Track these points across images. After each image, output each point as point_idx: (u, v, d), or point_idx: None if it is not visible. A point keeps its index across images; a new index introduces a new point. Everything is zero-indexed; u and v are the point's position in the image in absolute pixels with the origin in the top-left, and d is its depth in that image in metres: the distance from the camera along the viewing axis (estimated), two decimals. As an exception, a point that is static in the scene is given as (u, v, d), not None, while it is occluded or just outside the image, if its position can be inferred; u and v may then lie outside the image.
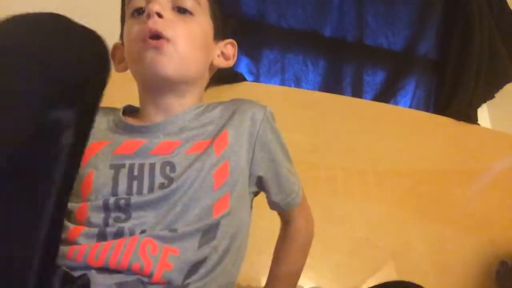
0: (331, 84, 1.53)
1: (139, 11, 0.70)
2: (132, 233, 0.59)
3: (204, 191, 0.63)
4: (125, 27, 0.74)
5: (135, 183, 0.63)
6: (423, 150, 1.44)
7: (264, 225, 0.84)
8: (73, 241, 0.60)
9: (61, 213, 0.46)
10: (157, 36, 0.66)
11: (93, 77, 0.44)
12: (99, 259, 0.56)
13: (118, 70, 0.77)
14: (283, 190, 0.75)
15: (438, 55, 1.68)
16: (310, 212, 0.81)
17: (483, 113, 1.65)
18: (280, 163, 0.74)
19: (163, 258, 0.57)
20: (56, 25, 0.43)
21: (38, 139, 0.39)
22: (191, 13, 0.70)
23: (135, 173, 0.64)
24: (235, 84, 1.30)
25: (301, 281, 1.14)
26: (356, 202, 1.29)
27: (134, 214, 0.61)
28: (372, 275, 1.20)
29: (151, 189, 0.63)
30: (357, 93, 1.55)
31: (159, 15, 0.66)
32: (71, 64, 0.41)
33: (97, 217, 0.61)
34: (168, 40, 0.66)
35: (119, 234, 0.59)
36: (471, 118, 1.55)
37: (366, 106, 1.49)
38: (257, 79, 1.45)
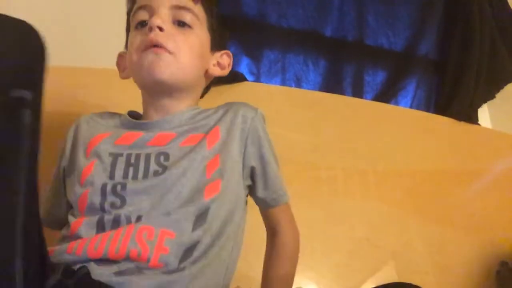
0: (331, 84, 1.53)
1: (143, 24, 0.76)
2: (128, 220, 0.63)
3: (196, 179, 0.67)
4: (129, 37, 0.79)
5: (131, 170, 0.68)
6: (424, 150, 1.44)
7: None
8: (75, 232, 0.64)
9: (34, 190, 0.48)
10: (158, 46, 0.71)
11: (36, 64, 0.47)
12: (98, 250, 0.59)
13: (122, 77, 0.83)
14: (269, 186, 0.77)
15: (439, 55, 1.68)
16: (295, 224, 0.82)
17: (484, 113, 1.65)
18: (268, 162, 0.77)
19: (159, 243, 0.61)
20: None
21: (3, 115, 0.43)
22: (190, 26, 0.76)
23: (132, 161, 0.69)
24: (235, 84, 1.30)
25: (301, 281, 1.15)
26: (357, 202, 1.29)
27: (129, 200, 0.65)
28: (372, 275, 1.20)
29: (145, 176, 0.67)
30: (358, 93, 1.54)
31: (160, 29, 0.72)
32: (17, 53, 0.46)
33: (95, 201, 0.65)
34: (169, 52, 0.72)
35: (116, 222, 0.63)
36: (472, 118, 1.55)
37: (366, 106, 1.49)
38: (257, 79, 1.45)
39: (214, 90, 1.06)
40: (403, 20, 1.64)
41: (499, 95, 1.63)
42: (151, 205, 0.65)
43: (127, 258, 0.59)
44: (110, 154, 0.71)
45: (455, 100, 1.54)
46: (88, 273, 0.56)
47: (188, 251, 0.63)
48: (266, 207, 0.80)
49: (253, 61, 1.46)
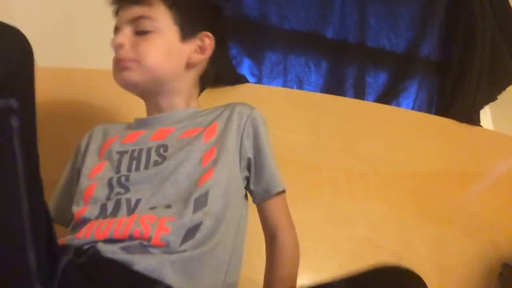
0: (333, 85, 1.53)
1: (117, 29, 0.82)
2: (128, 203, 0.69)
3: (192, 168, 0.73)
4: None
5: (134, 163, 0.75)
6: (425, 151, 1.44)
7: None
8: (79, 218, 0.70)
9: (37, 187, 0.50)
10: (121, 60, 0.79)
11: (21, 70, 0.48)
12: (104, 232, 0.64)
13: None
14: (264, 177, 0.79)
15: (441, 57, 1.68)
16: (293, 224, 0.82)
17: (486, 114, 1.65)
18: (264, 154, 0.80)
19: (160, 224, 0.65)
20: None
21: None
22: (150, 32, 0.79)
23: (135, 155, 0.76)
24: (237, 86, 1.30)
25: (303, 283, 1.15)
26: (358, 203, 1.29)
27: (132, 188, 0.71)
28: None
29: (146, 166, 0.74)
30: (360, 94, 1.55)
31: (121, 45, 0.78)
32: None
33: (102, 193, 0.72)
34: (132, 60, 0.78)
35: (117, 204, 0.69)
36: (474, 120, 1.55)
37: (368, 108, 1.49)
38: (259, 81, 1.45)
39: (215, 91, 1.07)
40: (405, 22, 1.64)
41: (501, 97, 1.63)
42: (151, 191, 0.70)
43: (131, 237, 0.63)
44: (117, 152, 0.78)
45: (457, 101, 1.54)
46: (97, 252, 0.60)
47: (190, 231, 0.66)
48: (262, 198, 0.80)
49: (255, 63, 1.46)
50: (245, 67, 1.45)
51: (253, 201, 0.82)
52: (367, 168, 1.34)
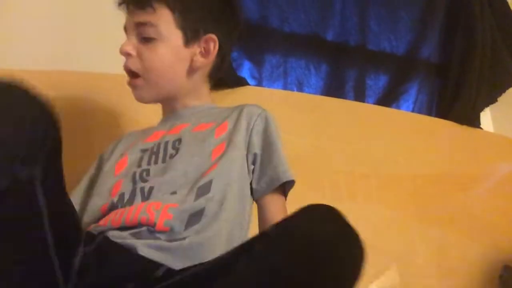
0: (333, 88, 1.53)
1: (125, 30, 0.86)
2: (142, 191, 0.74)
3: (202, 160, 0.77)
4: None
5: (153, 157, 0.80)
6: (426, 154, 1.44)
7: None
8: (104, 211, 0.75)
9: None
10: (131, 72, 0.83)
11: (43, 136, 0.51)
12: (118, 220, 0.70)
13: None
14: (274, 168, 0.80)
15: (441, 59, 1.68)
16: None
17: (486, 117, 1.65)
18: (275, 149, 0.82)
19: (164, 211, 0.69)
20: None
21: (13, 191, 0.48)
22: (153, 39, 0.82)
23: (155, 150, 0.81)
24: (237, 88, 1.30)
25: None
26: (359, 206, 1.29)
27: (150, 180, 0.76)
28: (376, 278, 1.20)
29: (164, 160, 0.79)
30: (360, 97, 1.55)
31: (129, 54, 0.82)
32: (22, 132, 0.50)
33: (127, 188, 0.76)
34: (139, 76, 0.83)
35: (133, 193, 0.74)
36: (474, 122, 1.55)
37: (368, 110, 1.49)
38: (259, 84, 1.45)
39: (216, 94, 1.07)
40: (405, 24, 1.64)
41: (501, 99, 1.64)
42: (163, 179, 0.75)
43: (139, 224, 0.68)
44: (141, 150, 0.83)
45: (457, 103, 1.54)
46: (106, 237, 0.66)
47: (195, 216, 0.69)
48: (265, 191, 0.81)
49: (255, 66, 1.46)
50: (245, 70, 1.45)
51: (255, 197, 0.82)
52: (368, 171, 1.34)
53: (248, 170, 0.81)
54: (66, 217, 0.60)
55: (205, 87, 0.91)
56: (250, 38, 1.44)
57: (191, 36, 0.84)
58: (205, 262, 0.57)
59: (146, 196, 0.73)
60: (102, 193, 0.79)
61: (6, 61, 1.08)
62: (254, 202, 0.83)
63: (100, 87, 1.13)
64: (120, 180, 0.79)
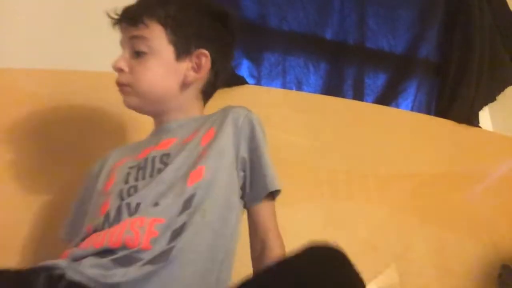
0: (332, 87, 1.53)
1: (121, 45, 0.86)
2: (128, 207, 0.71)
3: (187, 169, 0.75)
4: None
5: (140, 172, 0.78)
6: (424, 152, 1.44)
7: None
8: (90, 231, 0.72)
9: None
10: (123, 85, 0.84)
11: None
12: (101, 241, 0.67)
13: None
14: (261, 177, 0.79)
15: (439, 58, 1.68)
16: (280, 235, 0.81)
17: (485, 115, 1.65)
18: (261, 155, 0.81)
19: (149, 228, 0.67)
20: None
21: None
22: (145, 53, 0.82)
23: (142, 165, 0.80)
24: (236, 87, 1.30)
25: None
26: (358, 206, 1.29)
27: (136, 195, 0.73)
28: (374, 278, 1.20)
29: (151, 174, 0.77)
30: (359, 96, 1.54)
31: (121, 70, 0.83)
32: None
33: (114, 204, 0.73)
34: (128, 85, 0.83)
35: (118, 210, 0.71)
36: (473, 121, 1.55)
37: (367, 109, 1.49)
38: (258, 82, 1.45)
39: (215, 93, 1.07)
40: (404, 23, 1.64)
41: (500, 98, 1.64)
42: (148, 194, 0.73)
43: (123, 246, 0.65)
44: (129, 167, 0.81)
45: (456, 102, 1.54)
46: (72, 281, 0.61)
47: (176, 232, 0.68)
48: (255, 199, 0.80)
49: (254, 64, 1.46)
50: (244, 68, 1.45)
51: (246, 204, 0.81)
52: (367, 170, 1.34)
53: (238, 176, 0.79)
54: None
55: (197, 103, 0.90)
56: (249, 37, 1.44)
57: (182, 51, 0.84)
58: None
59: (132, 211, 0.71)
60: (92, 212, 0.78)
61: (6, 60, 1.08)
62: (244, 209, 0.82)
63: (102, 85, 1.12)
64: (108, 199, 0.77)
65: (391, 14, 1.63)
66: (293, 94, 1.46)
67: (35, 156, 1.08)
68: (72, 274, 0.61)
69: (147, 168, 0.78)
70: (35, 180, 1.06)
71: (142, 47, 0.82)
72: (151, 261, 0.64)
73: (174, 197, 0.71)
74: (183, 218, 0.69)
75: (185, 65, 0.85)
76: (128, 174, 0.79)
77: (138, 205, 0.71)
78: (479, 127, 1.57)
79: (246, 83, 1.34)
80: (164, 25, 0.83)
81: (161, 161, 0.78)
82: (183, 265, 0.66)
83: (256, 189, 0.80)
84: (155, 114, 0.88)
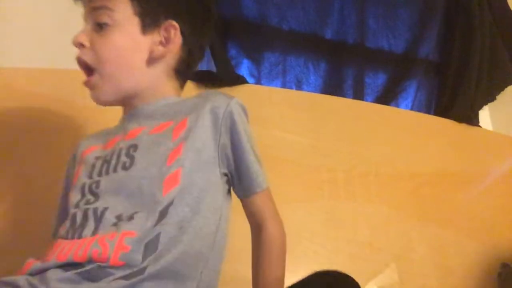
0: (332, 86, 1.53)
1: (84, 18, 0.79)
2: (95, 213, 0.66)
3: (158, 170, 0.68)
4: None
5: (105, 166, 0.72)
6: (425, 152, 1.44)
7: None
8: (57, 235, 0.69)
9: None
10: (85, 66, 0.76)
11: None
12: (66, 254, 0.61)
13: None
14: (245, 173, 0.75)
15: (440, 57, 1.68)
16: (279, 217, 0.77)
17: (485, 115, 1.65)
18: (244, 150, 0.74)
19: (119, 242, 0.61)
20: None
21: None
22: (107, 25, 0.75)
23: (107, 158, 0.73)
24: (236, 87, 1.30)
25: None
26: (358, 205, 1.29)
27: (101, 196, 0.68)
28: (374, 278, 1.20)
29: (115, 169, 0.70)
30: (358, 95, 1.54)
31: (82, 45, 0.76)
32: None
33: (74, 201, 0.70)
34: (93, 71, 0.75)
35: (85, 216, 0.66)
36: (473, 120, 1.55)
37: (367, 109, 1.49)
38: (258, 82, 1.45)
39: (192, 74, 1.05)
40: (404, 22, 1.64)
41: (500, 97, 1.63)
42: (117, 199, 0.67)
43: (90, 259, 0.59)
44: (95, 157, 0.76)
45: (456, 102, 1.54)
46: None
47: (150, 245, 0.62)
48: (244, 196, 0.76)
49: (254, 64, 1.46)
50: (244, 68, 1.45)
51: (241, 202, 0.78)
52: (367, 169, 1.34)
53: (221, 173, 0.74)
54: None
55: (169, 83, 0.81)
56: (248, 36, 1.44)
57: (149, 23, 0.77)
58: None
59: (99, 219, 0.65)
60: (64, 209, 0.74)
61: (5, 60, 1.08)
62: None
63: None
64: (74, 195, 0.71)
65: (391, 14, 1.62)
66: (293, 93, 1.46)
67: (35, 156, 1.08)
68: None
69: (111, 162, 0.72)
70: (35, 180, 1.06)
71: (105, 19, 0.75)
72: (124, 277, 0.58)
73: (147, 207, 0.65)
74: (157, 229, 0.63)
75: (152, 39, 0.77)
76: (93, 166, 0.74)
77: (105, 210, 0.65)
78: (479, 126, 1.57)
79: (246, 82, 1.34)
80: None
81: (127, 155, 0.71)
82: (160, 280, 0.60)
83: (242, 188, 0.75)
84: (127, 100, 0.79)
